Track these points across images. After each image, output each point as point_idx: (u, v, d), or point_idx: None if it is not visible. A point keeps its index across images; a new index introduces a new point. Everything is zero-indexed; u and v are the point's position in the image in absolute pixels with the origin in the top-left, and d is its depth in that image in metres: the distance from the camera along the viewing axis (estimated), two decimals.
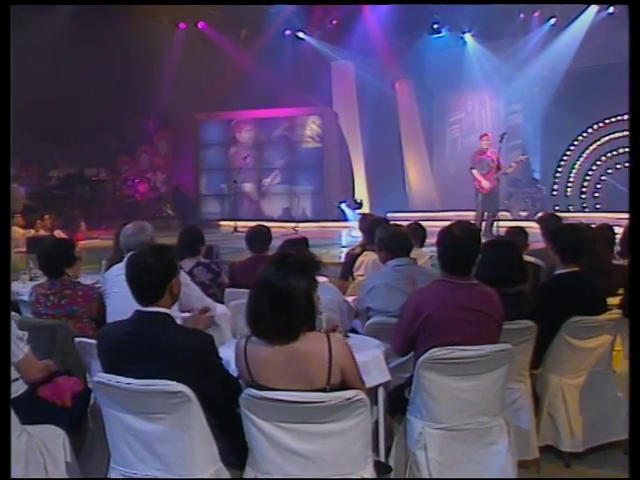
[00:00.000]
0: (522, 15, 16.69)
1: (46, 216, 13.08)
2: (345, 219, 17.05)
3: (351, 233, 13.73)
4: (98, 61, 15.98)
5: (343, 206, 17.51)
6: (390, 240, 4.74)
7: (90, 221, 14.79)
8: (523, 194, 15.98)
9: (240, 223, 14.65)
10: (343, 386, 2.87)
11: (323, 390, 2.81)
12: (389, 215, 16.97)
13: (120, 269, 4.58)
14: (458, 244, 3.61)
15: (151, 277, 3.15)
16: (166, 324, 3.11)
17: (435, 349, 3.36)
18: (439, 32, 17.78)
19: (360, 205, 17.91)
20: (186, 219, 16.22)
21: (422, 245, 6.50)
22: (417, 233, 6.25)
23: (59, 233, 12.58)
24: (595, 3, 15.13)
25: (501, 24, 16.66)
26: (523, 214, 15.20)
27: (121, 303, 4.42)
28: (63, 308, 4.74)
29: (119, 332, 3.15)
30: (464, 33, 17.65)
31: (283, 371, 2.85)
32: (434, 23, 17.56)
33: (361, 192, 18.43)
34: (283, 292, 2.84)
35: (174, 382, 2.85)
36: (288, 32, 18.22)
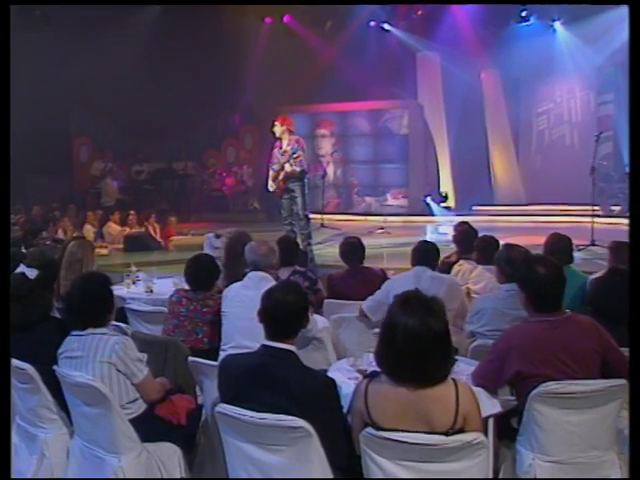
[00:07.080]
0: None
1: (131, 211, 13.47)
2: (431, 213, 16.95)
3: (438, 230, 13.65)
4: (186, 57, 16.34)
5: (428, 200, 17.39)
6: (508, 264, 4.61)
7: (179, 215, 15.19)
8: (615, 189, 15.44)
9: (327, 217, 14.73)
10: (463, 430, 2.89)
11: (445, 434, 2.84)
12: (474, 208, 16.88)
13: (238, 288, 4.73)
14: (546, 282, 3.56)
15: (290, 316, 3.25)
16: (291, 361, 3.19)
17: (548, 383, 3.33)
18: (527, 20, 17.26)
19: (445, 198, 17.76)
20: (272, 213, 16.41)
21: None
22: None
23: (150, 227, 12.97)
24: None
25: (593, 12, 16.12)
26: (615, 209, 14.72)
27: (235, 322, 4.57)
28: (203, 315, 4.93)
29: (243, 364, 3.22)
30: (554, 21, 17.18)
31: (406, 412, 2.87)
32: (522, 11, 17.08)
33: (446, 185, 18.24)
34: (433, 339, 2.86)
35: (295, 417, 2.93)
36: (373, 24, 18.11)
